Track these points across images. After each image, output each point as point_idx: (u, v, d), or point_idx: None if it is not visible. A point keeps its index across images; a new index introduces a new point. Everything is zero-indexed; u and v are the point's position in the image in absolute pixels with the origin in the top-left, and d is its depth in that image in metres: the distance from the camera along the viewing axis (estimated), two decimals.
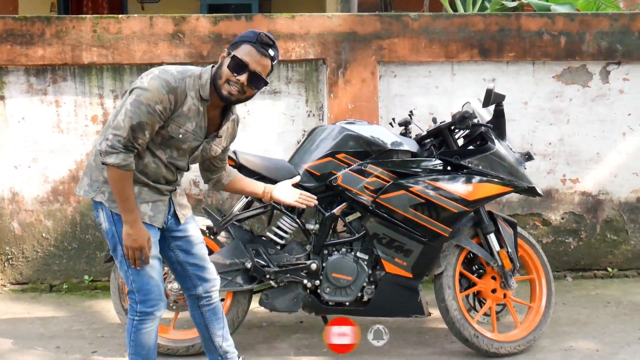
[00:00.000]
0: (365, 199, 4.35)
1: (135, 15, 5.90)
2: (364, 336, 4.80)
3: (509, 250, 4.50)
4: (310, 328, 5.03)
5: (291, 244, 4.57)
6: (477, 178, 4.36)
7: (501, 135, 4.51)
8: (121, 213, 3.37)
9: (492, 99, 4.34)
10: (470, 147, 4.56)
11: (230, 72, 3.38)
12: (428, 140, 4.64)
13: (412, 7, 9.49)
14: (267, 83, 3.54)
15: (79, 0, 13.41)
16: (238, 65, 3.39)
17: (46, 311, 5.43)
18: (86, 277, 5.96)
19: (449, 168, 4.46)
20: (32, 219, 5.90)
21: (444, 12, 8.50)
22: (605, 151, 6.20)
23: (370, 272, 4.45)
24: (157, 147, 3.45)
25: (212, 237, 4.49)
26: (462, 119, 4.43)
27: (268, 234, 4.58)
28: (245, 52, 3.40)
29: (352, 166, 4.41)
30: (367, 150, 4.44)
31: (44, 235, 5.91)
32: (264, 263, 4.43)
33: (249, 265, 4.41)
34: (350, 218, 4.53)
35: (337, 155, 4.44)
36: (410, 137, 4.73)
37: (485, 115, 4.57)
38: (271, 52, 3.45)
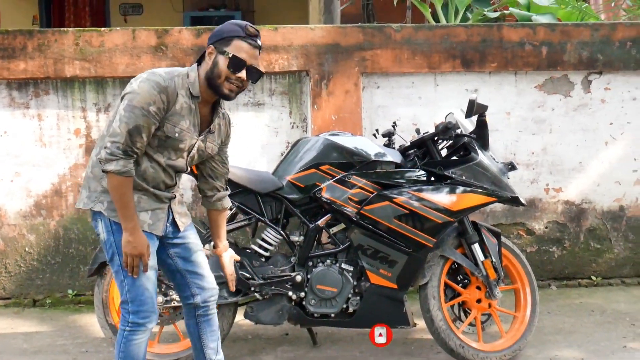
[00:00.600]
0: (350, 210, 4.35)
1: (118, 28, 5.89)
2: (350, 348, 4.81)
3: (493, 260, 4.51)
4: (296, 340, 5.01)
5: (276, 256, 4.56)
6: (461, 188, 4.37)
7: (484, 145, 4.52)
8: (121, 220, 3.36)
9: (475, 109, 4.36)
10: (454, 158, 4.57)
11: (230, 71, 3.40)
12: (412, 151, 4.65)
13: (394, 19, 9.52)
14: (263, 74, 3.56)
15: (61, 14, 13.42)
16: (237, 64, 3.40)
17: (29, 326, 5.39)
18: (70, 291, 5.92)
19: (432, 179, 4.46)
20: (14, 234, 5.86)
21: (426, 23, 8.55)
22: (588, 160, 6.23)
23: (355, 283, 4.45)
24: (154, 150, 3.44)
25: None
26: (445, 130, 4.44)
27: (252, 246, 4.57)
28: (239, 49, 3.41)
29: (336, 177, 4.41)
30: (351, 162, 4.44)
31: (27, 249, 5.87)
32: (248, 275, 4.42)
33: None
34: (334, 229, 4.53)
35: (321, 167, 4.44)
36: (394, 148, 4.73)
37: (468, 125, 4.58)
38: (259, 41, 3.50)
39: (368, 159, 4.45)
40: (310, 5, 11.12)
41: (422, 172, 4.46)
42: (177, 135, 3.42)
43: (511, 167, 4.56)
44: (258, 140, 5.94)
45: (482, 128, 4.52)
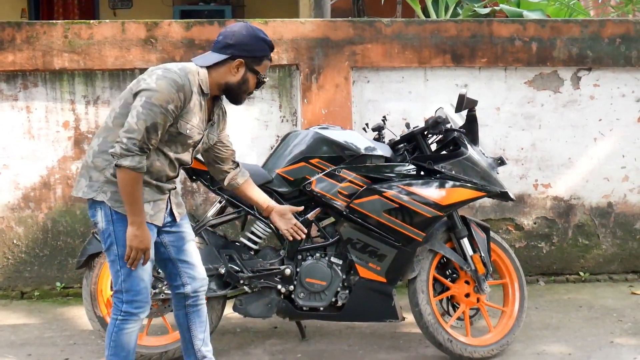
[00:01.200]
0: (339, 204, 4.35)
1: (107, 20, 5.87)
2: (338, 342, 4.81)
3: (482, 254, 4.52)
4: (285, 334, 5.01)
5: (265, 249, 4.56)
6: (450, 183, 4.37)
7: (474, 140, 4.53)
8: (129, 215, 3.39)
9: (465, 104, 4.36)
10: (443, 152, 4.58)
11: (253, 85, 3.63)
12: (401, 145, 4.65)
13: (384, 13, 9.54)
14: (264, 82, 3.75)
15: (50, 7, 13.35)
16: (261, 81, 3.65)
17: (17, 318, 5.37)
18: (58, 284, 5.90)
19: (422, 173, 4.46)
20: (2, 226, 5.84)
21: (417, 18, 8.55)
22: (577, 156, 6.25)
23: (344, 277, 4.45)
24: (163, 144, 3.48)
25: None
26: (435, 124, 4.44)
27: (242, 239, 4.56)
28: (266, 68, 3.64)
29: (326, 171, 4.40)
30: (341, 155, 4.44)
31: (14, 242, 5.85)
32: (237, 268, 4.41)
33: (222, 270, 4.39)
34: (324, 223, 4.53)
35: (311, 160, 4.44)
36: (384, 142, 4.73)
37: (458, 120, 4.58)
38: None
39: (358, 152, 4.45)
40: (301, 0, 11.12)
41: (411, 166, 4.46)
42: (187, 132, 3.49)
43: (500, 162, 4.57)
44: (248, 133, 5.93)
45: (471, 123, 4.52)
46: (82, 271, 4.68)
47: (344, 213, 4.35)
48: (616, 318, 5.32)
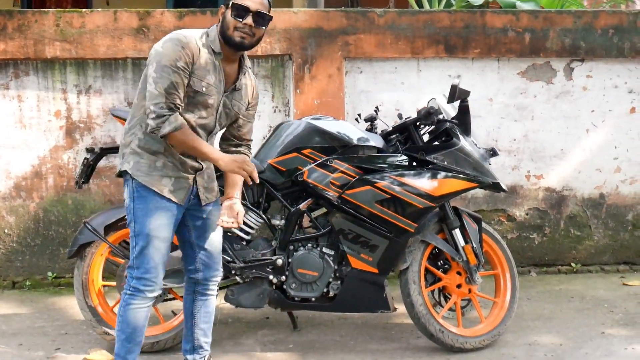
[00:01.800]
0: (331, 194, 4.34)
1: (99, 9, 5.84)
2: (330, 332, 4.82)
3: (474, 245, 4.52)
4: (276, 324, 5.01)
5: (257, 239, 4.55)
6: (443, 174, 4.37)
7: (466, 131, 4.53)
8: (206, 156, 3.51)
9: (457, 95, 4.36)
10: (436, 143, 4.57)
11: (235, 20, 3.50)
12: (394, 136, 4.64)
13: (378, 3, 9.48)
14: (272, 17, 3.64)
15: None
16: (240, 11, 3.51)
17: (8, 308, 5.36)
18: (49, 273, 5.89)
19: (414, 164, 4.46)
20: None
21: (410, 8, 8.53)
22: (569, 148, 6.26)
23: (336, 267, 4.45)
24: (185, 110, 3.52)
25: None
26: (428, 115, 4.44)
27: (233, 229, 4.55)
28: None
29: (318, 162, 4.40)
30: (333, 146, 4.43)
31: (6, 231, 5.84)
32: (229, 259, 4.40)
33: None
34: (316, 213, 4.52)
35: (303, 151, 4.43)
36: (376, 133, 4.73)
37: (450, 111, 4.58)
38: None
39: (350, 143, 4.44)
40: None
41: (404, 157, 4.46)
42: (204, 89, 3.52)
43: (493, 153, 4.57)
44: None
45: (464, 114, 4.52)
46: (73, 261, 4.68)
47: (336, 204, 4.35)
48: (608, 309, 5.34)
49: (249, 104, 3.82)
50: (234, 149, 3.89)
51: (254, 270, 4.42)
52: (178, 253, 4.06)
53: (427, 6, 8.47)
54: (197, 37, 3.52)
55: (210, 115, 3.61)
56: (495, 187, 4.54)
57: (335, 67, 5.88)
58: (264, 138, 5.62)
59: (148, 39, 5.70)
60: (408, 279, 4.48)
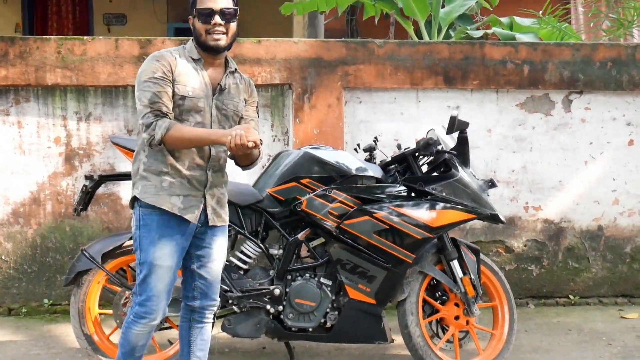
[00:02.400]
0: (330, 224, 4.34)
1: (101, 37, 5.87)
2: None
3: (472, 277, 4.52)
4: (273, 354, 4.99)
5: (254, 269, 4.55)
6: (441, 205, 4.37)
7: (465, 162, 4.54)
8: (208, 140, 3.51)
9: (456, 126, 4.37)
10: (434, 174, 4.58)
11: (203, 24, 3.56)
12: (392, 166, 4.65)
13: (377, 34, 9.56)
14: (237, 8, 3.66)
15: (44, 23, 13.37)
16: (205, 15, 3.56)
17: (4, 335, 5.34)
18: (46, 300, 5.87)
19: (413, 194, 4.47)
20: None
21: (409, 39, 8.58)
22: (568, 179, 6.26)
23: (333, 297, 4.44)
24: (179, 118, 3.55)
25: None
26: (427, 146, 4.45)
27: (231, 258, 4.55)
28: (202, 2, 3.58)
29: (317, 191, 4.40)
30: (332, 176, 4.44)
31: (3, 257, 5.82)
32: (227, 288, 4.39)
33: None
34: (314, 243, 4.52)
35: (302, 180, 4.44)
36: (375, 163, 4.74)
37: (449, 142, 4.59)
38: None
39: (349, 173, 4.45)
40: (295, 20, 11.15)
41: (402, 187, 4.47)
42: (190, 93, 3.55)
43: (491, 184, 4.58)
44: None
45: (463, 145, 4.53)
46: (70, 288, 4.66)
47: (334, 233, 4.34)
48: (606, 342, 5.32)
49: (245, 101, 3.83)
50: None
51: (251, 300, 4.40)
52: (177, 282, 4.05)
53: (426, 37, 8.52)
54: (171, 50, 3.62)
55: (205, 119, 3.61)
56: (494, 218, 4.54)
57: (334, 97, 5.90)
58: (263, 167, 5.62)
59: None
60: (406, 310, 4.47)
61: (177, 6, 13.60)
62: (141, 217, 3.57)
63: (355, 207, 4.34)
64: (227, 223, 3.85)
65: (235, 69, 3.78)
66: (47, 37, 5.77)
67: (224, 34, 3.57)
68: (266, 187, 4.50)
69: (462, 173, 4.45)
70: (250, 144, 3.36)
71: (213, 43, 3.56)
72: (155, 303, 3.60)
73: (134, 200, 3.62)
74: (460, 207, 4.39)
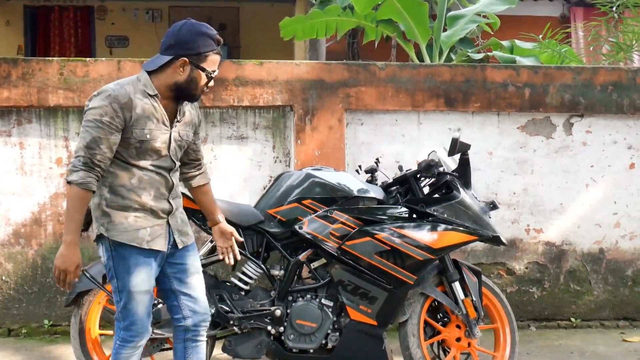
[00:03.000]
0: (331, 245, 4.34)
1: (103, 58, 5.90)
2: None
3: (474, 298, 4.51)
4: None
5: (256, 289, 4.54)
6: (443, 226, 4.37)
7: (466, 184, 4.54)
8: (64, 230, 3.45)
9: (458, 148, 4.38)
10: (436, 196, 4.59)
11: (205, 82, 3.57)
12: (394, 187, 4.66)
13: (379, 57, 9.59)
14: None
15: (46, 44, 13.43)
16: (211, 76, 3.57)
17: (4, 356, 5.32)
18: (46, 321, 5.85)
19: (414, 216, 4.47)
20: None
21: (411, 62, 8.62)
22: (569, 202, 6.26)
23: (334, 319, 4.43)
24: (137, 159, 3.52)
25: None
26: (428, 168, 4.46)
27: (232, 279, 4.55)
28: (214, 63, 3.57)
29: (318, 212, 4.41)
30: (333, 197, 4.45)
31: (3, 278, 5.81)
32: (227, 309, 4.39)
33: (212, 310, 4.36)
34: (315, 264, 4.52)
35: (303, 201, 4.45)
36: (377, 185, 4.74)
37: (450, 164, 4.60)
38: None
39: (350, 194, 4.46)
40: (296, 43, 11.20)
41: (404, 209, 4.47)
42: (148, 136, 3.50)
43: (493, 206, 4.58)
44: (241, 173, 5.93)
45: (464, 167, 4.54)
46: (70, 309, 4.65)
47: (336, 254, 4.34)
48: None
49: (196, 126, 3.84)
50: (196, 172, 3.98)
51: (252, 321, 4.40)
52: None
53: (427, 60, 8.56)
54: (127, 87, 3.49)
55: (164, 156, 3.60)
56: (495, 240, 4.54)
57: (336, 119, 5.92)
58: (264, 188, 5.63)
59: None
60: (407, 331, 4.45)
61: None
62: (112, 248, 3.55)
63: (357, 228, 4.34)
64: (194, 239, 3.86)
65: None
66: (50, 58, 5.79)
67: None
68: (267, 208, 4.50)
69: (464, 195, 4.46)
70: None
71: (199, 98, 3.66)
72: (139, 326, 3.61)
73: (100, 235, 3.58)
74: (461, 228, 4.39)
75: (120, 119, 3.42)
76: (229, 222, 4.28)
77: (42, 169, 5.82)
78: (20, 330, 5.83)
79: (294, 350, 4.42)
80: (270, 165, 5.97)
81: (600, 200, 6.30)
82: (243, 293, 4.50)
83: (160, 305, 4.35)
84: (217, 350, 4.54)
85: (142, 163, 3.53)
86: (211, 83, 3.59)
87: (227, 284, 4.53)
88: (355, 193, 4.47)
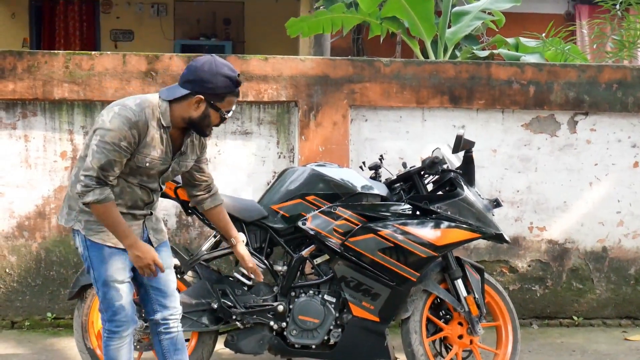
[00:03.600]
0: (334, 241, 4.35)
1: (109, 52, 5.90)
2: None
3: (476, 296, 4.51)
4: None
5: (258, 285, 4.54)
6: (446, 223, 4.38)
7: (470, 181, 4.54)
8: (120, 240, 3.53)
9: (462, 145, 4.39)
10: (440, 193, 4.59)
11: (220, 119, 3.61)
12: (398, 184, 4.66)
13: (384, 53, 9.60)
14: None
15: (51, 38, 13.44)
16: (225, 119, 3.63)
17: (6, 348, 5.33)
18: (49, 314, 5.86)
19: (418, 213, 4.47)
20: None
21: (416, 58, 8.61)
22: (572, 200, 6.26)
23: (337, 315, 4.44)
24: (127, 175, 3.57)
25: (179, 276, 4.45)
26: (432, 165, 4.46)
27: (235, 274, 4.55)
28: (230, 104, 3.60)
29: (322, 208, 4.41)
30: (337, 193, 4.45)
31: (7, 270, 5.82)
32: (230, 304, 4.40)
33: (215, 305, 4.38)
34: (318, 260, 4.52)
35: (307, 197, 4.45)
36: (380, 181, 4.74)
37: (454, 161, 4.60)
38: None
39: (354, 191, 4.46)
40: (301, 39, 11.19)
41: (407, 205, 4.47)
42: (147, 164, 3.56)
43: (496, 204, 4.58)
44: (245, 168, 5.93)
45: (468, 164, 4.54)
46: (73, 302, 4.66)
47: (339, 251, 4.35)
48: None
49: (198, 155, 3.88)
50: (206, 195, 4.03)
51: (254, 316, 4.41)
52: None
53: (432, 57, 8.55)
54: (147, 111, 3.51)
55: (152, 180, 3.67)
56: (498, 238, 4.54)
57: (340, 115, 5.91)
58: (268, 184, 5.64)
59: (156, 83, 5.74)
60: (409, 328, 4.46)
61: (184, 23, 13.69)
62: (87, 240, 3.61)
63: (360, 225, 4.35)
64: (167, 237, 3.92)
65: None
66: (55, 51, 5.80)
67: None
68: (271, 204, 4.51)
69: (467, 192, 4.46)
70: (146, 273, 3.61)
71: (209, 134, 3.72)
72: (122, 316, 3.67)
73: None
74: (465, 226, 4.39)
75: (135, 144, 3.47)
76: (232, 217, 4.29)
77: (46, 162, 5.82)
78: (23, 323, 5.84)
79: (296, 345, 4.43)
80: (274, 160, 5.98)
81: (603, 199, 6.30)
82: (246, 288, 4.51)
83: None
84: (220, 345, 4.55)
85: (131, 179, 3.59)
86: (224, 122, 3.66)
87: (230, 279, 4.54)
88: (359, 189, 4.47)
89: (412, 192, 4.58)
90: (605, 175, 6.29)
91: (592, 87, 6.17)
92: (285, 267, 4.51)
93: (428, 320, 4.55)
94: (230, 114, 3.64)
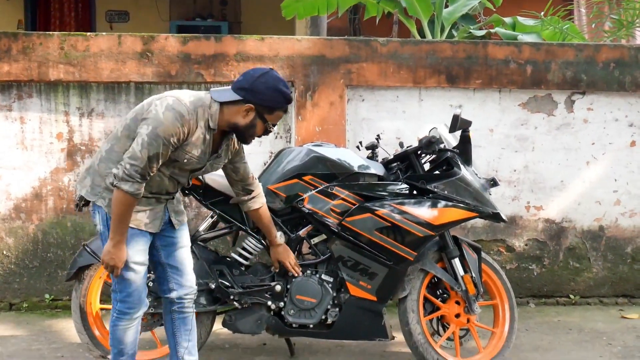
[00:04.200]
0: (331, 221, 4.35)
1: (104, 33, 5.87)
2: (328, 359, 4.79)
3: (473, 275, 4.52)
4: (274, 350, 4.99)
5: (256, 265, 4.55)
6: (443, 203, 4.37)
7: (467, 161, 4.54)
8: (111, 230, 3.53)
9: (459, 125, 4.37)
10: (437, 172, 4.58)
11: (263, 130, 3.68)
12: (395, 164, 4.65)
13: (380, 33, 9.56)
14: None
15: (46, 19, 13.37)
16: (269, 132, 3.73)
17: (5, 330, 5.34)
18: (47, 295, 5.87)
19: (415, 192, 4.47)
20: None
21: (412, 38, 8.58)
22: (569, 179, 6.26)
23: (334, 294, 4.44)
24: (161, 166, 3.59)
25: None
26: (429, 144, 4.45)
27: (233, 254, 4.55)
28: (278, 118, 3.68)
29: (319, 188, 4.41)
30: (334, 173, 4.44)
31: (4, 252, 5.83)
32: (228, 284, 4.40)
33: (212, 285, 4.38)
34: (315, 240, 4.52)
35: (304, 177, 4.44)
36: (377, 161, 4.73)
37: (451, 140, 4.59)
38: None
39: (351, 170, 4.45)
40: (297, 19, 11.14)
41: (404, 185, 4.47)
42: (185, 161, 3.60)
43: (493, 183, 4.57)
44: None
45: (465, 143, 4.53)
46: (71, 283, 4.66)
47: (336, 230, 4.35)
48: (606, 342, 5.32)
49: (230, 159, 3.91)
50: (247, 197, 4.13)
51: (252, 296, 4.41)
52: None
53: (429, 36, 8.52)
54: (199, 110, 3.55)
55: (183, 174, 3.71)
56: (495, 217, 4.54)
57: (337, 95, 5.90)
58: (265, 164, 5.63)
59: (152, 64, 5.73)
60: (407, 307, 4.47)
61: (180, 4, 13.62)
62: (108, 217, 3.61)
63: (357, 205, 4.35)
64: (186, 218, 3.97)
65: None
66: (50, 32, 5.77)
67: None
68: (268, 184, 4.50)
69: (464, 171, 4.45)
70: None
71: (250, 143, 3.78)
72: (135, 298, 3.70)
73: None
74: (462, 205, 4.39)
75: (182, 141, 3.52)
76: (228, 197, 4.29)
77: (42, 144, 5.81)
78: (21, 305, 5.85)
79: (294, 325, 4.44)
80: (271, 141, 5.97)
81: (600, 178, 6.30)
82: (243, 268, 4.51)
83: None
84: (217, 325, 4.56)
85: (163, 169, 3.62)
86: (267, 134, 3.72)
87: (228, 259, 4.54)
88: (356, 169, 4.46)
89: (409, 172, 4.57)
90: (602, 154, 6.29)
91: (589, 66, 6.16)
92: None
93: (425, 299, 4.56)
94: (275, 128, 3.73)
